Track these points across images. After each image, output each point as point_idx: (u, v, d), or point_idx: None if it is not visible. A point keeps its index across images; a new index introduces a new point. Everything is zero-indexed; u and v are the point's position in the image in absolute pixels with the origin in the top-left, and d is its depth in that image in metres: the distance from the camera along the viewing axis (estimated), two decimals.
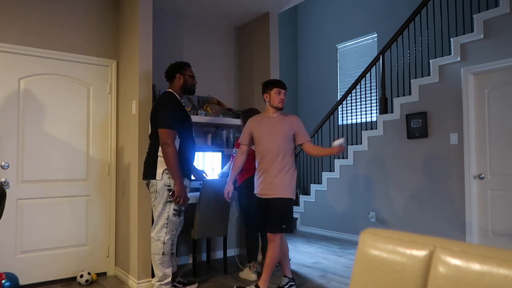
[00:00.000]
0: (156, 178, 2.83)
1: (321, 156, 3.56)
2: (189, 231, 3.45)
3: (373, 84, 5.79)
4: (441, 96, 4.15)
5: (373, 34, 6.25)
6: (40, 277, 3.23)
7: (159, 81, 3.66)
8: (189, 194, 2.96)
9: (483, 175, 3.82)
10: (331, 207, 5.43)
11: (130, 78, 3.35)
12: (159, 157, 2.84)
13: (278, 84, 2.97)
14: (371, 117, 5.80)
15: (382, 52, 4.93)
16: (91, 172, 3.51)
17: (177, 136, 2.87)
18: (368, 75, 5.67)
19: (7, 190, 3.06)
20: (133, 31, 3.32)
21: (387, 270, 0.61)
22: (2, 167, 3.10)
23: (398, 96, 4.76)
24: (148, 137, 3.02)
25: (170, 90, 3.00)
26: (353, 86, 5.36)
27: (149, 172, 2.87)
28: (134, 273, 3.17)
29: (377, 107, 5.58)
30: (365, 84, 5.54)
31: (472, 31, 4.07)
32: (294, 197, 2.93)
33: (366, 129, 5.21)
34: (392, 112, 4.79)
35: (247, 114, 3.60)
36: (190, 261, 4.00)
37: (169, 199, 2.83)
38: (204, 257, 4.09)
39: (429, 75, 4.47)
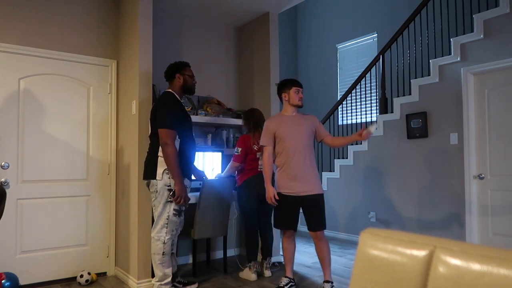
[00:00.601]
0: (157, 178, 2.83)
1: (345, 145, 3.56)
2: (189, 231, 3.45)
3: (373, 84, 5.79)
4: (441, 96, 4.15)
5: (373, 34, 6.24)
6: (40, 277, 3.23)
7: (159, 81, 3.66)
8: (189, 194, 2.96)
9: (483, 175, 3.82)
10: (331, 207, 5.43)
11: (130, 78, 3.35)
12: (159, 157, 2.84)
13: (296, 83, 3.09)
14: (371, 117, 5.80)
15: (382, 52, 4.93)
16: (91, 172, 3.51)
17: (177, 136, 2.87)
18: (368, 75, 5.67)
19: (7, 190, 3.06)
20: (133, 31, 3.32)
21: (387, 270, 0.61)
22: (2, 167, 3.10)
23: (398, 96, 4.76)
24: (148, 137, 3.02)
25: (170, 90, 3.00)
26: (353, 86, 5.37)
27: (149, 172, 2.87)
28: (134, 273, 3.17)
29: (377, 107, 5.58)
30: (365, 84, 5.54)
31: (472, 31, 4.07)
32: None
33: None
34: (392, 112, 4.79)
35: (249, 114, 3.60)
36: (190, 261, 4.00)
37: (169, 199, 2.83)
38: (204, 257, 4.09)
39: (429, 75, 4.46)
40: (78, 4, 3.49)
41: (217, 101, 4.12)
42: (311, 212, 2.99)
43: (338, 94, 6.85)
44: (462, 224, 3.94)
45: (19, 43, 3.20)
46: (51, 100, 3.34)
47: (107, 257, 3.56)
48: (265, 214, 3.61)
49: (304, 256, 4.29)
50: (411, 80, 4.50)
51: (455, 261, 0.54)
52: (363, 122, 5.98)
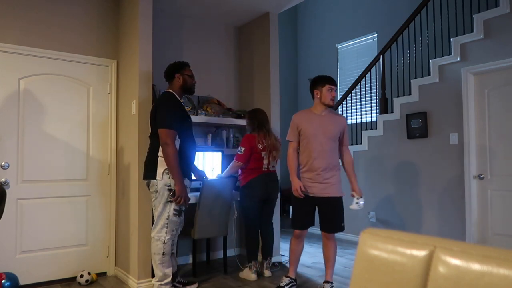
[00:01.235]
0: (157, 178, 2.83)
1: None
2: (189, 231, 3.45)
3: (373, 84, 5.79)
4: (441, 96, 4.15)
5: (373, 34, 6.24)
6: (40, 277, 3.23)
7: (159, 81, 3.66)
8: (189, 194, 2.96)
9: (483, 175, 3.82)
10: None
11: (130, 78, 3.35)
12: (159, 157, 2.84)
13: (330, 81, 2.95)
14: (371, 117, 5.79)
15: (382, 52, 4.93)
16: (91, 172, 3.51)
17: (177, 136, 2.87)
18: (368, 75, 5.66)
19: (7, 190, 3.06)
20: (133, 31, 3.32)
21: (387, 270, 0.62)
22: (2, 167, 3.10)
23: (398, 96, 4.76)
24: (148, 137, 3.02)
25: (170, 90, 3.00)
26: (353, 86, 5.36)
27: (149, 172, 2.87)
28: (134, 273, 3.17)
29: (377, 107, 5.58)
30: (365, 84, 5.54)
31: (472, 31, 4.07)
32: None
33: (366, 129, 5.21)
34: (392, 112, 4.79)
35: (252, 114, 3.59)
36: (190, 261, 4.00)
37: (169, 199, 2.83)
38: (204, 257, 4.09)
39: (429, 75, 4.46)
40: (78, 4, 3.49)
41: (217, 101, 4.12)
42: (325, 213, 2.98)
43: (338, 94, 6.85)
44: (462, 224, 3.93)
45: (19, 43, 3.20)
46: (51, 100, 3.34)
47: (107, 257, 3.56)
48: (266, 214, 3.60)
49: (304, 256, 4.29)
50: (411, 80, 4.50)
51: (455, 261, 0.54)
52: (363, 122, 5.98)
